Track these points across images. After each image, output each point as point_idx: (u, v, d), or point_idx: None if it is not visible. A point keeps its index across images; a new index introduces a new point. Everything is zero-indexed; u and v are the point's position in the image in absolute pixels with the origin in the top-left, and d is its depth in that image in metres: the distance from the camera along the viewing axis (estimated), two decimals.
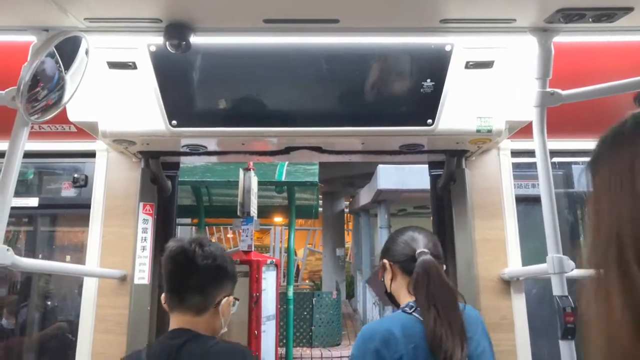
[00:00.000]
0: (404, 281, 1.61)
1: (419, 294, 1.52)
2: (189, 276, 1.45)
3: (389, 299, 1.71)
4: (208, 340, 1.41)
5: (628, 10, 1.28)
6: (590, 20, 1.31)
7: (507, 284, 2.07)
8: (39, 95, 1.31)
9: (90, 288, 2.06)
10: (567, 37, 1.51)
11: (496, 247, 2.11)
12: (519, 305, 2.06)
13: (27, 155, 2.14)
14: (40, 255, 3.37)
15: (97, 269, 2.07)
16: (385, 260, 1.69)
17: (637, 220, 0.52)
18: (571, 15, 1.30)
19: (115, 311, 2.02)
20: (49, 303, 3.60)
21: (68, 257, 3.60)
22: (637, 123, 0.61)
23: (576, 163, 3.10)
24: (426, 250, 1.58)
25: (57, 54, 1.35)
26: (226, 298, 1.51)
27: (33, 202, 2.46)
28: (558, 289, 1.51)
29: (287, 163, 6.19)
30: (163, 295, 1.53)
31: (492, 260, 2.09)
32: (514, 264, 2.09)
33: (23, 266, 1.50)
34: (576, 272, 1.51)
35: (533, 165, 1.72)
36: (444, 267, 1.63)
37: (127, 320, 1.97)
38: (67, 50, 1.39)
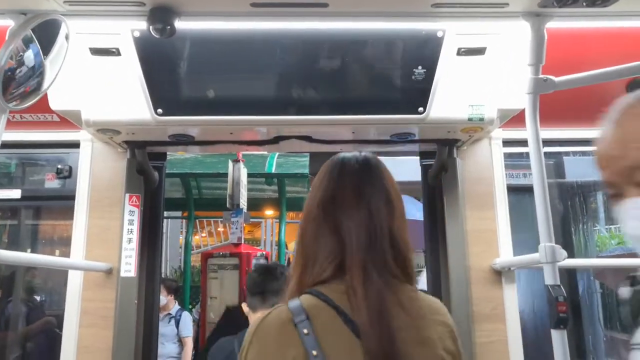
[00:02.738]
0: None
1: None
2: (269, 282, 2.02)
3: None
4: None
5: None
6: (584, 4, 1.29)
7: (499, 274, 2.06)
8: (16, 80, 1.26)
9: (75, 281, 2.01)
10: (561, 23, 1.49)
11: (488, 237, 2.10)
12: (510, 295, 2.05)
13: (9, 145, 2.09)
14: (28, 250, 3.32)
15: (82, 262, 2.03)
16: None
17: None
18: None
19: (101, 305, 1.98)
20: (36, 297, 3.54)
21: (57, 252, 3.55)
22: None
23: (567, 153, 3.10)
24: None
25: (35, 38, 1.30)
26: None
27: (16, 194, 2.40)
28: (550, 278, 1.50)
29: (277, 155, 6.16)
30: (244, 303, 2.12)
31: (484, 251, 2.08)
32: (506, 254, 2.08)
33: (5, 259, 1.46)
34: (568, 262, 1.50)
35: (524, 155, 1.71)
36: None
37: (113, 313, 1.93)
38: (47, 34, 1.34)
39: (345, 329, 0.95)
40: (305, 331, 0.93)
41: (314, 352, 0.91)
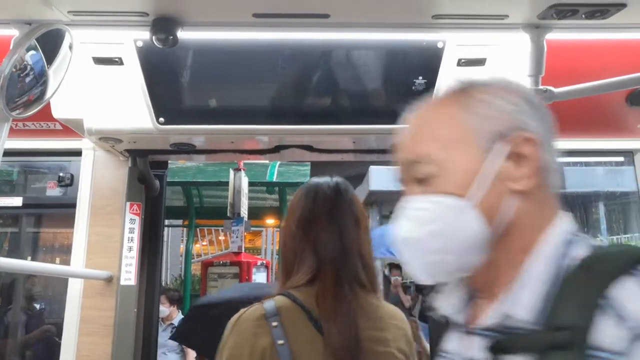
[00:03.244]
0: None
1: None
2: None
3: None
4: None
5: (621, 6, 1.27)
6: (583, 16, 1.30)
7: None
8: (20, 89, 1.28)
9: (75, 289, 2.01)
10: (560, 35, 1.50)
11: None
12: None
13: (11, 153, 2.10)
14: (29, 258, 3.32)
15: (83, 270, 2.03)
16: None
17: None
18: (564, 11, 1.29)
19: (100, 313, 1.97)
20: (35, 305, 3.54)
21: (57, 260, 3.55)
22: None
23: (567, 164, 3.10)
24: None
25: (39, 48, 1.32)
26: None
27: (17, 201, 2.41)
28: None
29: (278, 163, 6.17)
30: None
31: None
32: None
33: (5, 267, 1.46)
34: None
35: None
36: None
37: (112, 322, 1.93)
38: (50, 44, 1.35)
39: (309, 325, 1.14)
40: (275, 324, 1.12)
41: (280, 342, 1.10)
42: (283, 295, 1.20)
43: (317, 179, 1.37)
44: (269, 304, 1.17)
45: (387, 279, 8.72)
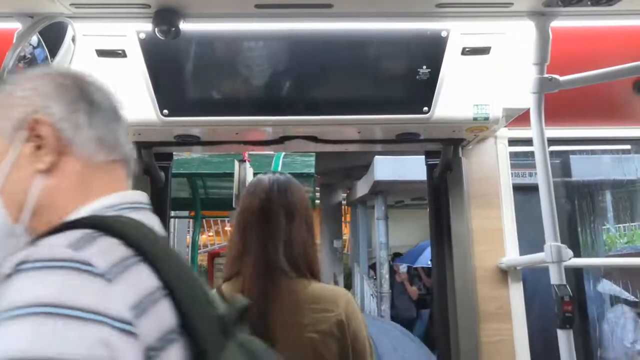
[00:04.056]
0: None
1: None
2: None
3: None
4: None
5: None
6: (589, 3, 1.28)
7: (505, 273, 2.05)
8: None
9: None
10: (566, 22, 1.48)
11: (493, 236, 2.10)
12: (516, 294, 2.04)
13: None
14: None
15: None
16: None
17: None
18: None
19: None
20: None
21: None
22: None
23: (573, 152, 3.09)
24: None
25: (42, 41, 1.32)
26: None
27: None
28: (556, 277, 1.49)
29: (283, 154, 6.16)
30: None
31: (489, 250, 2.08)
32: (512, 253, 2.07)
33: None
34: (574, 261, 1.50)
35: (530, 154, 1.70)
36: None
37: None
38: (53, 37, 1.36)
39: None
40: None
41: None
42: (215, 288, 1.37)
43: (261, 176, 1.48)
44: None
45: (392, 270, 8.71)
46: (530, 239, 2.20)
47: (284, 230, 1.36)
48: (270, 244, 1.34)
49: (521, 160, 2.52)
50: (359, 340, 1.32)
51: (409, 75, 1.66)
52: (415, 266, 8.05)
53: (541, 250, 1.55)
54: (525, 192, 2.36)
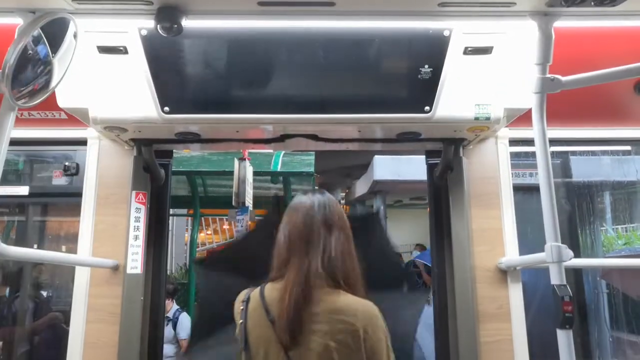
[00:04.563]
0: None
1: None
2: None
3: None
4: None
5: None
6: (592, 3, 1.28)
7: (504, 273, 2.05)
8: (25, 79, 1.27)
9: (82, 278, 2.03)
10: (568, 22, 1.48)
11: (493, 236, 2.09)
12: (515, 294, 2.04)
13: (17, 142, 2.11)
14: (35, 246, 3.34)
15: (89, 259, 2.04)
16: None
17: None
18: None
19: (107, 301, 1.99)
20: (42, 293, 3.57)
21: (64, 248, 3.57)
22: None
23: (573, 153, 3.08)
24: None
25: (44, 37, 1.31)
26: None
27: (24, 190, 2.41)
28: (556, 278, 1.49)
29: (282, 153, 6.15)
30: None
31: (489, 250, 2.08)
32: (511, 254, 2.07)
33: (12, 255, 1.47)
34: (574, 262, 1.49)
35: (531, 154, 1.70)
36: None
37: (119, 310, 1.95)
38: (55, 33, 1.35)
39: (263, 313, 1.44)
40: (242, 308, 1.49)
41: (241, 321, 1.47)
42: (259, 286, 1.51)
43: (300, 197, 1.60)
44: (248, 291, 1.53)
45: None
46: (530, 239, 2.20)
47: (324, 242, 1.48)
48: (311, 254, 1.46)
49: (522, 161, 2.52)
50: (376, 353, 1.38)
51: (410, 74, 1.65)
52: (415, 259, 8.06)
53: (541, 250, 1.55)
54: (525, 192, 2.36)
